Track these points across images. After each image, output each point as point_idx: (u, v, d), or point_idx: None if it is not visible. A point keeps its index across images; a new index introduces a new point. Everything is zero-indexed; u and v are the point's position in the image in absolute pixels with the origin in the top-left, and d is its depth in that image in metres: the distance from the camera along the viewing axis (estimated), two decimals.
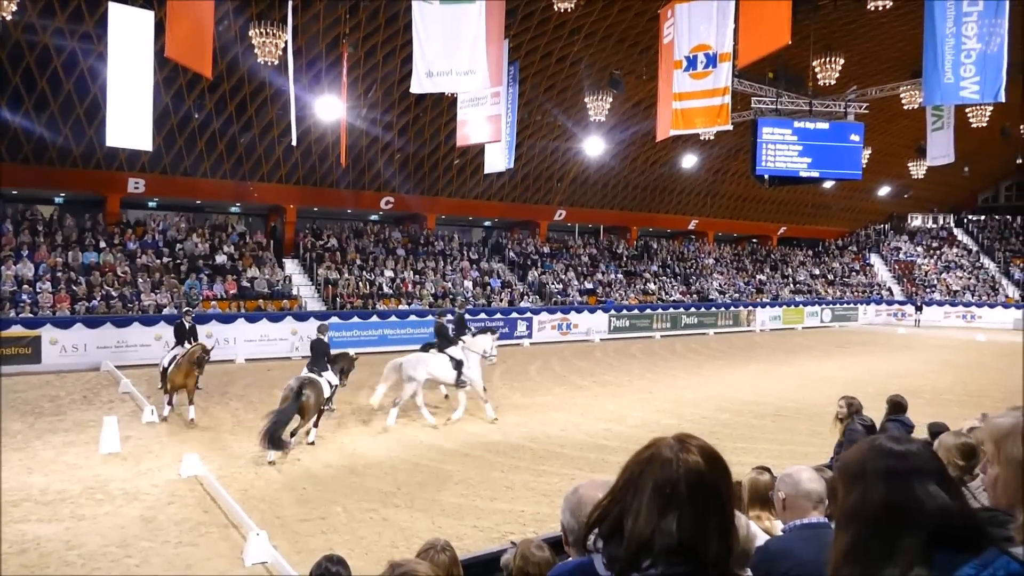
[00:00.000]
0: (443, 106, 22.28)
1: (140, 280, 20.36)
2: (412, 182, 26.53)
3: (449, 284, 25.85)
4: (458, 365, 12.54)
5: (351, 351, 13.61)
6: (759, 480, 3.52)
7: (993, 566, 1.31)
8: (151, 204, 24.37)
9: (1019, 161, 34.48)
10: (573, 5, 14.96)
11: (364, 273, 24.67)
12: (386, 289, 24.36)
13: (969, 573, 1.31)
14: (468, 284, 26.33)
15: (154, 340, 18.58)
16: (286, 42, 14.45)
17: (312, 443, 11.01)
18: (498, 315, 24.90)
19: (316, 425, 11.20)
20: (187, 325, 13.73)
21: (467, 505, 8.52)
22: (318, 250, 25.01)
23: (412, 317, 22.98)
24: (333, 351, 12.46)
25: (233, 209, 26.52)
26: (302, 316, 21.26)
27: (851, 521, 1.45)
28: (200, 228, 23.71)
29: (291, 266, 24.54)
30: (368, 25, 20.05)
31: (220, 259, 22.66)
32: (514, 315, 25.27)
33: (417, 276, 25.63)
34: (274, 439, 9.69)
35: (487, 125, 15.90)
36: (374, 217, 29.10)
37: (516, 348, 23.94)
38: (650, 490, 1.34)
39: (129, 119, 11.69)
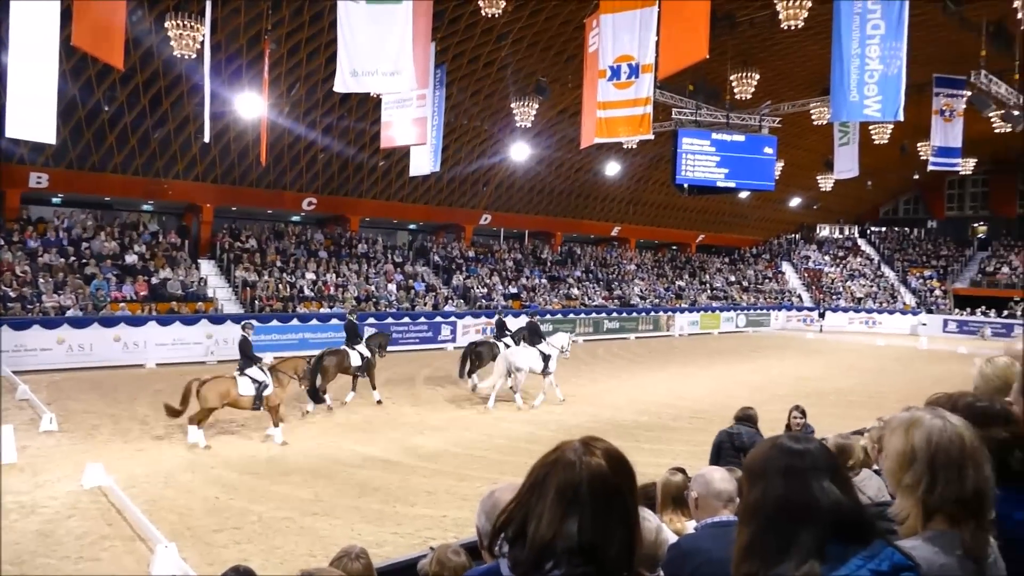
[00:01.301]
0: (369, 107, 21.99)
1: (41, 280, 19.24)
2: (336, 183, 26.08)
3: (373, 287, 25.51)
4: (546, 359, 15.00)
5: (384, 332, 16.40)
6: (672, 481, 3.60)
7: (879, 557, 1.39)
8: (55, 200, 23.08)
9: (916, 177, 36.71)
10: (500, 11, 15.05)
11: (284, 275, 24.07)
12: (307, 292, 23.83)
13: (858, 564, 1.39)
14: (392, 287, 26.05)
15: (56, 344, 17.60)
16: (204, 35, 13.99)
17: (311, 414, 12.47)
18: (422, 319, 24.74)
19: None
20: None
21: (387, 511, 8.42)
22: (236, 251, 24.24)
23: (334, 321, 22.52)
24: (369, 332, 15.64)
25: (145, 207, 25.41)
26: (218, 319, 20.54)
27: (752, 517, 1.51)
28: (109, 226, 22.62)
29: (207, 267, 23.69)
30: (292, 22, 19.60)
31: (130, 259, 21.66)
32: (438, 319, 25.16)
33: (340, 279, 25.18)
34: (311, 392, 13.04)
35: (413, 127, 15.81)
36: (296, 218, 28.44)
37: (440, 352, 23.82)
38: (553, 493, 1.35)
39: (31, 109, 11.00)
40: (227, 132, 21.85)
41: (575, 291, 31.93)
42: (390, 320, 23.79)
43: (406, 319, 24.28)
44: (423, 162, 19.32)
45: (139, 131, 21.03)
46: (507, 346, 16.11)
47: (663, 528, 2.75)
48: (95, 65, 17.85)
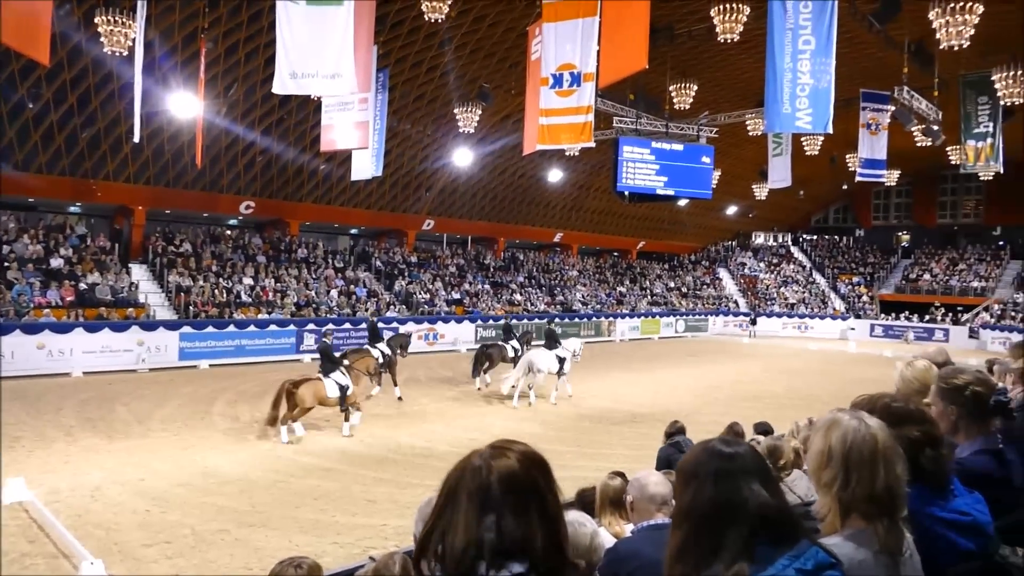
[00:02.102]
0: (309, 109, 21.65)
1: None
2: (275, 186, 25.56)
3: (312, 293, 25.07)
4: (561, 361, 16.35)
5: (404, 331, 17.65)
6: (610, 485, 3.65)
7: (804, 556, 1.45)
8: None
9: (845, 187, 38.19)
10: (444, 16, 15.03)
11: (221, 280, 23.44)
12: (244, 297, 23.27)
13: (784, 564, 1.44)
14: (333, 293, 25.66)
15: None
16: (136, 32, 13.55)
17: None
18: (363, 325, 24.40)
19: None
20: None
21: (326, 521, 8.27)
22: (169, 255, 23.50)
23: (273, 327, 22.05)
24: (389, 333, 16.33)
25: (73, 209, 24.41)
26: (150, 325, 19.87)
27: (684, 520, 1.55)
28: (33, 229, 21.63)
29: (138, 272, 22.87)
30: (229, 21, 19.15)
31: (56, 263, 20.76)
32: (380, 325, 24.82)
33: (279, 284, 24.67)
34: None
35: (354, 131, 15.64)
36: (233, 221, 27.77)
37: None
38: (465, 499, 1.36)
39: None
40: (161, 132, 21.19)
41: (518, 297, 32.06)
42: (331, 326, 23.40)
43: (347, 325, 23.93)
44: (365, 166, 19.14)
45: (66, 129, 20.19)
46: (514, 348, 18.13)
47: (599, 532, 2.78)
48: (18, 60, 17.09)
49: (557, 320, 31.01)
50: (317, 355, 15.13)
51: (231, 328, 21.22)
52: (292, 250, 26.96)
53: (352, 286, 26.79)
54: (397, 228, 31.20)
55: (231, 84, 21.06)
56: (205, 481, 9.61)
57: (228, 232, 26.67)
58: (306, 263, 26.69)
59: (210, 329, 20.77)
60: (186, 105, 18.31)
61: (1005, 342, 28.52)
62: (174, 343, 19.94)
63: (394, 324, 23.72)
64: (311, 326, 22.80)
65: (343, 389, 12.37)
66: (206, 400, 15.33)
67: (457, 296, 29.75)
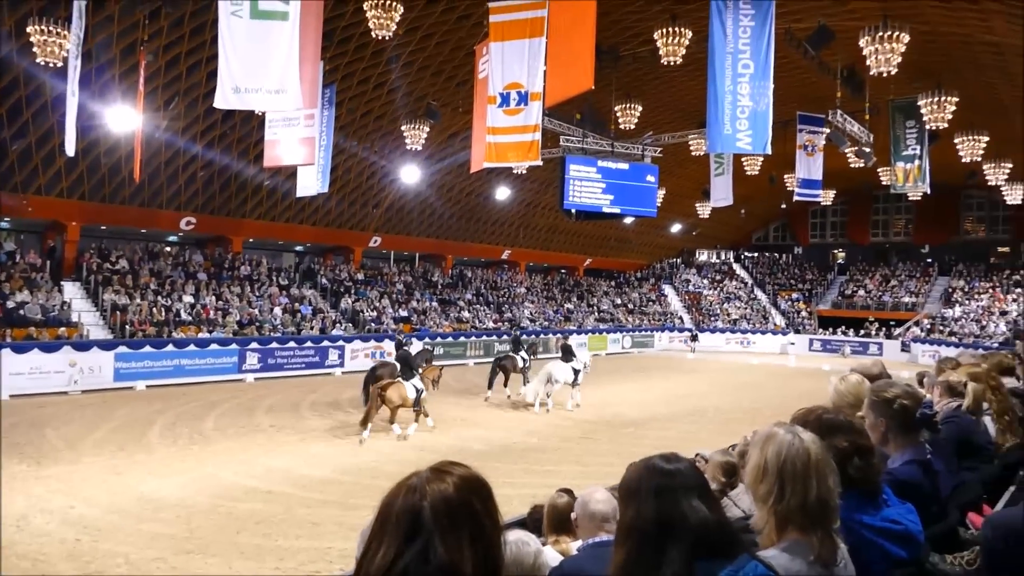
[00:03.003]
0: (253, 124, 21.28)
1: None
2: (217, 202, 24.99)
3: (256, 311, 24.53)
4: (576, 373, 17.89)
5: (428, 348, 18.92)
6: (558, 503, 3.65)
7: (743, 570, 1.48)
8: None
9: (783, 206, 39.27)
10: (391, 34, 15.02)
11: (159, 298, 22.74)
12: (184, 316, 22.61)
13: None
14: (277, 311, 25.15)
15: None
16: (72, 44, 13.14)
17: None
18: (309, 343, 24.00)
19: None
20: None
21: (268, 546, 8.05)
22: (105, 272, 22.70)
23: (214, 346, 21.46)
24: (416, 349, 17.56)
25: (2, 224, 23.40)
26: (83, 345, 19.12)
27: (627, 537, 1.56)
28: None
29: (71, 290, 22.00)
30: (171, 33, 18.73)
31: None
32: (325, 343, 24.48)
33: (221, 302, 24.07)
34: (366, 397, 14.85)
35: (300, 147, 15.45)
36: (173, 238, 27.02)
37: (327, 377, 23.19)
38: (394, 522, 1.34)
39: None
40: (97, 146, 20.51)
41: (466, 314, 31.98)
42: (275, 344, 22.94)
43: (291, 344, 23.48)
44: (311, 182, 18.89)
45: None
46: (523, 359, 19.62)
47: (544, 551, 2.77)
48: None
49: (505, 337, 31.09)
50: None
51: (170, 348, 20.58)
52: (235, 267, 26.36)
53: (297, 304, 26.32)
54: (344, 245, 30.83)
55: (172, 97, 20.56)
56: (140, 507, 9.26)
57: (167, 249, 25.93)
58: (249, 280, 26.12)
59: (147, 349, 20.10)
60: (124, 118, 17.78)
61: (934, 355, 29.68)
62: (109, 364, 19.23)
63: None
64: (254, 345, 22.29)
65: (419, 392, 14.45)
66: (143, 423, 14.81)
67: (405, 314, 29.51)
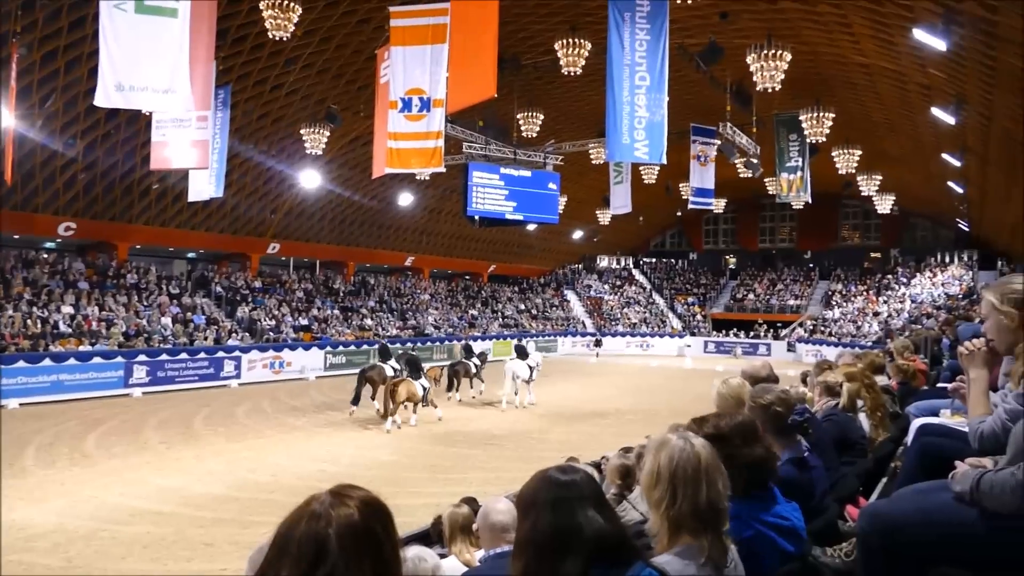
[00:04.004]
0: (141, 124, 20.14)
1: None
2: (100, 206, 23.50)
3: (144, 321, 23.21)
4: (531, 370, 19.74)
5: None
6: (457, 513, 3.66)
7: None
8: None
9: (679, 214, 40.94)
10: (289, 35, 14.63)
11: (35, 310, 21.15)
12: (64, 328, 21.12)
13: None
14: (167, 321, 23.89)
15: None
16: None
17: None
18: (202, 354, 22.93)
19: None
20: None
21: (157, 571, 7.62)
22: None
23: (97, 359, 20.14)
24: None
25: None
26: None
27: (524, 549, 1.57)
28: None
29: None
30: (47, 26, 17.47)
31: None
32: (220, 354, 23.45)
33: (104, 313, 22.63)
34: (354, 400, 17.28)
35: (192, 150, 14.80)
36: (50, 244, 25.22)
37: (223, 390, 22.23)
38: (296, 550, 1.30)
39: None
40: None
41: (369, 322, 31.44)
42: (164, 356, 21.79)
43: (183, 355, 22.37)
44: (204, 187, 18.13)
45: None
46: (475, 364, 20.72)
47: (441, 566, 2.76)
48: None
49: (409, 344, 30.78)
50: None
51: (47, 362, 19.13)
52: (120, 275, 24.86)
53: (189, 313, 25.10)
54: (240, 252, 29.69)
55: (49, 95, 19.19)
56: (11, 537, 8.55)
57: (44, 256, 24.16)
58: (136, 289, 24.70)
59: (21, 364, 18.60)
60: None
61: (817, 354, 31.57)
62: None
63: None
64: (142, 357, 21.08)
65: (425, 390, 16.70)
66: (15, 444, 13.70)
67: (305, 322, 28.70)
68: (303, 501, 1.38)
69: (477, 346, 32.89)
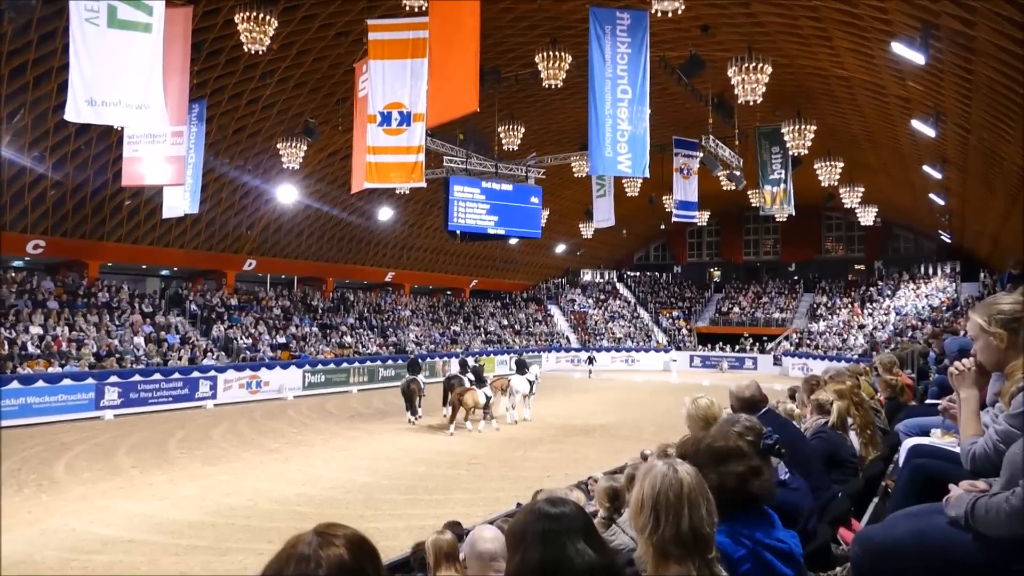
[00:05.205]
0: (112, 140, 19.73)
1: None
2: (70, 224, 22.96)
3: (115, 341, 22.63)
4: (530, 384, 20.01)
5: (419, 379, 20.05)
6: (441, 539, 3.64)
7: None
8: None
9: (663, 227, 40.95)
10: (265, 48, 14.37)
11: (2, 330, 20.52)
12: (32, 349, 20.52)
13: None
14: (139, 340, 23.31)
15: None
16: None
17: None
18: (176, 374, 22.37)
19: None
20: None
21: None
22: None
23: (67, 381, 19.56)
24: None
25: None
26: None
27: None
28: None
29: None
30: (16, 40, 17.06)
31: None
32: (195, 374, 22.90)
33: (75, 333, 22.04)
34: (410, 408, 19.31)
35: (167, 166, 14.49)
36: (18, 263, 24.59)
37: (197, 411, 21.69)
38: None
39: None
40: None
41: (348, 339, 30.99)
42: (137, 377, 21.23)
43: (157, 375, 21.82)
44: (179, 203, 17.83)
45: None
46: (470, 380, 19.89)
47: None
48: None
49: (390, 362, 30.41)
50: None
51: (14, 384, 18.51)
52: (91, 294, 24.28)
53: (163, 332, 24.54)
54: (215, 269, 29.16)
55: (17, 109, 18.74)
56: None
57: (12, 275, 23.53)
58: (108, 308, 24.12)
59: None
60: None
61: (803, 367, 31.64)
62: None
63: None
64: (114, 378, 20.51)
65: (488, 399, 18.20)
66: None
67: (283, 340, 28.21)
68: (286, 543, 1.37)
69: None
